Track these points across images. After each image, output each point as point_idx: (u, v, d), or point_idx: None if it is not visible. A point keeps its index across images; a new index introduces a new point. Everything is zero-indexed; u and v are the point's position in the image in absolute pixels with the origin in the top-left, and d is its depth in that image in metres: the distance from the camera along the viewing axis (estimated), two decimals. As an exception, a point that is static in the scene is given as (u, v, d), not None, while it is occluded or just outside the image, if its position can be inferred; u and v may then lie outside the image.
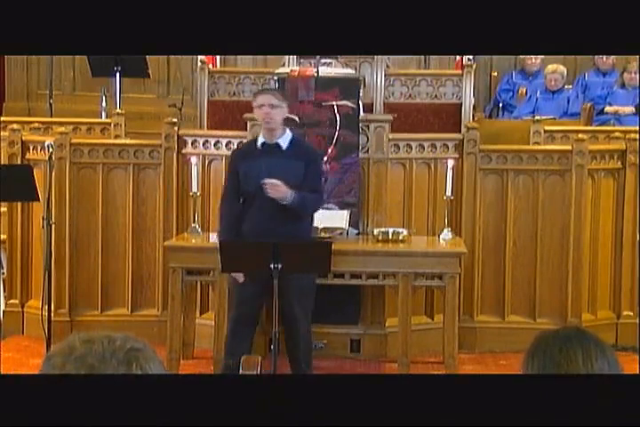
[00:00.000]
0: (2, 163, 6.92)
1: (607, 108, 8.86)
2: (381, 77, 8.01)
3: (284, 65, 7.73)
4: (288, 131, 5.83)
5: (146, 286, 7.04)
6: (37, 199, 6.27)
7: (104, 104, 8.80)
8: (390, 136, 6.75)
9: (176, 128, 6.97)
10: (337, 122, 6.53)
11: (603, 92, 9.01)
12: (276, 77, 6.92)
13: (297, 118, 6.47)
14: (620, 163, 7.05)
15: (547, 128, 7.60)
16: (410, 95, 8.04)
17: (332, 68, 7.07)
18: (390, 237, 6.33)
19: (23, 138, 7.08)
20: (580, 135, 7.11)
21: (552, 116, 8.54)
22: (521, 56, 9.61)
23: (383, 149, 6.71)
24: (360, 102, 6.65)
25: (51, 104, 9.36)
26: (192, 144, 6.90)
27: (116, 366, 1.69)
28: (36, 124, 7.43)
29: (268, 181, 5.57)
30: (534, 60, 9.43)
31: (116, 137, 7.56)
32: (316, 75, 6.62)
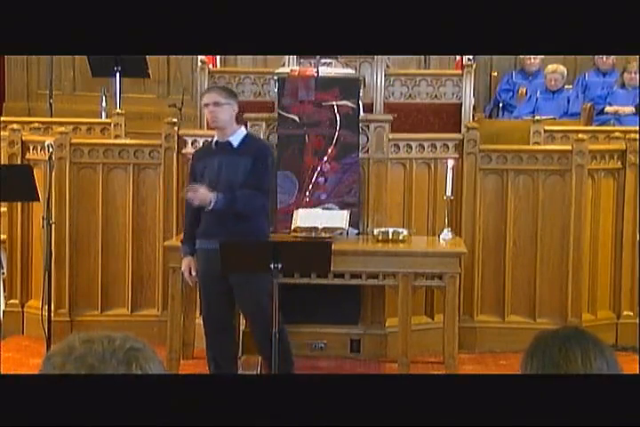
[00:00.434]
0: (2, 163, 6.91)
1: (607, 108, 8.86)
2: (381, 77, 8.01)
3: (283, 65, 7.74)
4: (242, 128, 5.79)
5: (146, 285, 7.04)
6: (37, 199, 6.26)
7: (104, 104, 8.79)
8: (390, 136, 6.74)
9: (176, 128, 6.97)
10: (337, 122, 6.53)
11: (603, 92, 9.01)
12: (276, 77, 6.91)
13: (297, 118, 6.47)
14: (619, 163, 7.05)
15: (547, 128, 7.59)
16: (410, 95, 8.04)
17: (332, 68, 7.07)
18: (390, 237, 6.32)
19: (23, 138, 7.08)
20: (580, 135, 7.10)
21: (552, 116, 8.53)
22: (521, 56, 9.60)
23: (383, 149, 6.71)
24: (360, 102, 6.65)
25: (51, 104, 9.35)
26: (192, 144, 6.90)
27: (115, 366, 1.69)
28: (36, 124, 7.42)
29: (190, 185, 5.59)
30: (534, 60, 9.43)
31: (116, 137, 7.55)
32: (316, 75, 6.61)
